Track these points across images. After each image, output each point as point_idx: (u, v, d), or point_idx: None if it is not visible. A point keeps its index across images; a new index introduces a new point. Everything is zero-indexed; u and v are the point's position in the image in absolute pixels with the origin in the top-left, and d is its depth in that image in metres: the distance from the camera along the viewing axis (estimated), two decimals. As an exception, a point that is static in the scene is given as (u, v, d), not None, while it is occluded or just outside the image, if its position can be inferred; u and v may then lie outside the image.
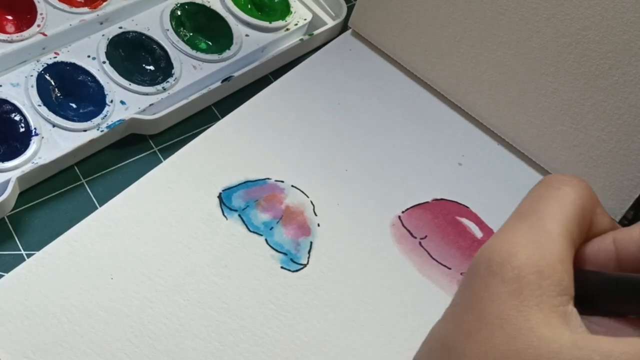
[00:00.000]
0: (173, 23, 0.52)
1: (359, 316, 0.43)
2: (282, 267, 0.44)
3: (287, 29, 0.55)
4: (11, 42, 0.48)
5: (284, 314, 0.42)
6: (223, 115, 0.50)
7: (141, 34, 0.51)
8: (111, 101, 0.48)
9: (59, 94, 0.48)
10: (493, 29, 0.49)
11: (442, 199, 0.49)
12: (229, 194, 0.46)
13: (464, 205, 0.49)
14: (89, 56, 0.50)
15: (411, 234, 0.47)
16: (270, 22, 0.54)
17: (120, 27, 0.51)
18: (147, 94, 0.49)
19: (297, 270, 0.44)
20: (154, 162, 0.48)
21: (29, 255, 0.42)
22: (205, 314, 0.41)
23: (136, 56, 0.51)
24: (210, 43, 0.53)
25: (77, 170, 0.47)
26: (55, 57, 0.49)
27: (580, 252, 0.26)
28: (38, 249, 0.42)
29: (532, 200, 0.26)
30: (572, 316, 0.23)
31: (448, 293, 0.45)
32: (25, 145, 0.45)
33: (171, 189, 0.46)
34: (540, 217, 0.25)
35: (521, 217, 0.25)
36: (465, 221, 0.48)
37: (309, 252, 0.45)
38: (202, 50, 0.52)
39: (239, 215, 0.45)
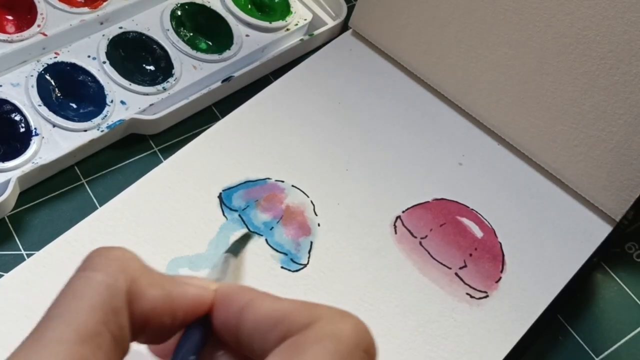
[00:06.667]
0: (173, 23, 0.52)
1: (359, 316, 0.43)
2: (282, 267, 0.44)
3: (288, 29, 0.55)
4: (11, 42, 0.48)
5: (284, 314, 0.42)
6: (223, 115, 0.50)
7: (141, 34, 0.51)
8: (111, 101, 0.48)
9: (59, 94, 0.48)
10: (493, 29, 0.49)
11: (442, 199, 0.49)
12: (229, 194, 0.46)
13: (464, 205, 0.49)
14: (89, 56, 0.50)
15: (411, 233, 0.47)
16: (270, 22, 0.55)
17: (121, 27, 0.51)
18: (147, 94, 0.49)
19: (297, 270, 0.44)
20: (154, 162, 0.48)
21: (29, 255, 0.42)
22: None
23: (136, 56, 0.51)
24: (210, 43, 0.53)
25: (77, 170, 0.47)
26: (55, 57, 0.49)
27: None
28: (38, 249, 0.42)
29: (54, 300, 0.23)
30: None
31: (448, 293, 0.45)
32: (25, 145, 0.45)
33: (171, 189, 0.46)
34: (49, 324, 0.22)
35: (34, 328, 0.22)
36: (466, 221, 0.48)
37: (309, 252, 0.45)
38: (202, 50, 0.52)
39: (239, 215, 0.45)
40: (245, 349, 0.24)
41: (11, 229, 0.44)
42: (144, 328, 0.24)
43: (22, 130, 0.45)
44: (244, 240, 0.41)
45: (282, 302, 0.24)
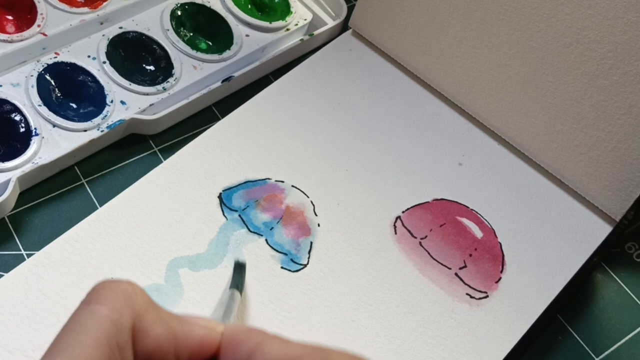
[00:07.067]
0: (173, 23, 0.52)
1: (359, 316, 0.43)
2: (282, 267, 0.44)
3: (288, 29, 0.55)
4: (11, 42, 0.48)
5: (284, 314, 0.42)
6: (223, 115, 0.50)
7: (141, 34, 0.51)
8: (111, 101, 0.48)
9: (59, 94, 0.48)
10: (493, 29, 0.49)
11: (442, 199, 0.49)
12: (229, 194, 0.46)
13: (464, 205, 0.49)
14: (89, 56, 0.50)
15: (411, 234, 0.47)
16: (270, 22, 0.54)
17: (121, 27, 0.51)
18: (147, 94, 0.49)
19: (297, 271, 0.44)
20: (154, 162, 0.48)
21: (29, 255, 0.42)
22: (205, 314, 0.41)
23: (136, 56, 0.51)
24: (210, 43, 0.53)
25: (77, 170, 0.47)
26: (55, 57, 0.49)
27: None
28: (38, 249, 0.42)
29: (59, 333, 0.23)
30: None
31: (448, 293, 0.45)
32: (25, 145, 0.45)
33: (171, 189, 0.46)
34: (53, 359, 0.22)
35: None
36: (466, 221, 0.48)
37: (309, 252, 0.45)
38: (202, 50, 0.52)
39: (239, 216, 0.45)
40: None
41: (11, 229, 0.44)
42: None
43: (22, 130, 0.45)
44: (241, 270, 0.41)
45: (293, 347, 0.24)
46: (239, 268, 0.42)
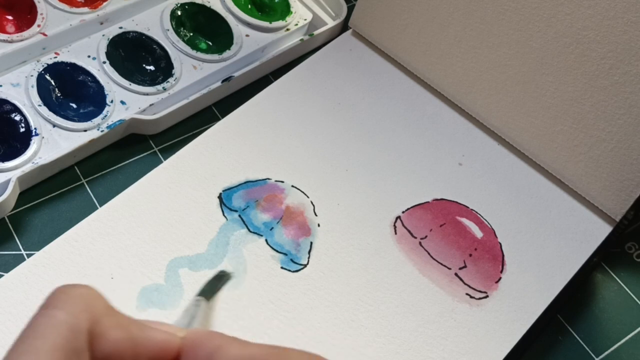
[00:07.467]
0: (173, 23, 0.52)
1: (359, 316, 0.43)
2: (282, 268, 0.44)
3: (288, 29, 0.55)
4: (11, 42, 0.48)
5: (284, 314, 0.42)
6: (223, 115, 0.50)
7: (141, 34, 0.51)
8: (111, 101, 0.48)
9: (59, 94, 0.48)
10: (493, 29, 0.49)
11: (442, 199, 0.49)
12: (229, 194, 0.46)
13: (464, 205, 0.49)
14: (89, 56, 0.50)
15: (411, 234, 0.47)
16: (270, 22, 0.54)
17: (121, 27, 0.51)
18: (147, 94, 0.49)
19: (297, 271, 0.44)
20: (154, 162, 0.48)
21: (29, 255, 0.42)
22: (205, 314, 0.41)
23: (136, 56, 0.51)
24: (210, 43, 0.53)
25: (77, 170, 0.47)
26: (55, 57, 0.49)
27: None
28: (38, 249, 0.42)
29: (17, 337, 0.23)
30: None
31: (448, 293, 0.45)
32: (25, 145, 0.45)
33: (171, 189, 0.46)
34: None
35: None
36: (466, 221, 0.48)
37: (309, 252, 0.45)
38: (202, 50, 0.52)
39: (239, 216, 0.45)
40: None
41: (11, 229, 0.44)
42: None
43: (22, 130, 0.45)
44: (218, 280, 0.41)
45: (251, 348, 0.24)
46: (219, 278, 0.42)
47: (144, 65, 0.51)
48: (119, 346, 0.24)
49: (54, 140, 0.46)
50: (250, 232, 0.45)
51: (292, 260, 0.44)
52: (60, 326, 0.22)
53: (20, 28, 0.50)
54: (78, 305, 0.23)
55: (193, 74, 0.51)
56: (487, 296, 0.45)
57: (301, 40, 0.55)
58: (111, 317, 0.24)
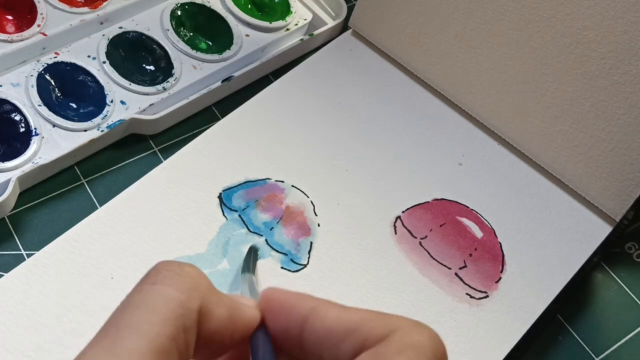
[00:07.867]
0: (173, 23, 0.52)
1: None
2: (282, 268, 0.44)
3: (287, 29, 0.55)
4: (11, 42, 0.48)
5: (284, 314, 0.42)
6: (223, 115, 0.50)
7: (141, 34, 0.51)
8: (111, 101, 0.48)
9: (59, 94, 0.48)
10: (493, 29, 0.49)
11: (442, 199, 0.49)
12: (229, 194, 0.46)
13: (464, 205, 0.49)
14: (89, 56, 0.50)
15: (411, 234, 0.47)
16: (270, 22, 0.54)
17: (121, 27, 0.51)
18: (147, 94, 0.49)
19: (297, 271, 0.44)
20: (154, 162, 0.48)
21: (29, 255, 0.42)
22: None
23: (136, 56, 0.51)
24: (210, 43, 0.53)
25: (77, 170, 0.47)
26: (55, 57, 0.49)
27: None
28: (38, 249, 0.42)
29: (120, 308, 0.23)
30: None
31: (448, 293, 0.45)
32: (25, 145, 0.45)
33: (171, 189, 0.46)
34: (121, 333, 0.21)
35: (101, 335, 0.22)
36: (466, 221, 0.48)
37: (309, 252, 0.45)
38: (202, 50, 0.52)
39: (239, 216, 0.45)
40: (310, 357, 0.24)
41: (11, 229, 0.44)
42: (206, 346, 0.24)
43: (22, 130, 0.45)
44: (253, 254, 0.42)
45: (352, 312, 0.23)
46: (254, 252, 0.42)
47: (143, 65, 0.51)
48: (223, 323, 0.24)
49: (54, 140, 0.46)
50: (250, 232, 0.45)
51: (292, 260, 0.44)
52: (171, 302, 0.22)
53: (20, 28, 0.50)
54: (188, 283, 0.23)
55: (193, 74, 0.51)
56: (487, 296, 0.45)
57: (301, 40, 0.55)
58: (215, 295, 0.24)
